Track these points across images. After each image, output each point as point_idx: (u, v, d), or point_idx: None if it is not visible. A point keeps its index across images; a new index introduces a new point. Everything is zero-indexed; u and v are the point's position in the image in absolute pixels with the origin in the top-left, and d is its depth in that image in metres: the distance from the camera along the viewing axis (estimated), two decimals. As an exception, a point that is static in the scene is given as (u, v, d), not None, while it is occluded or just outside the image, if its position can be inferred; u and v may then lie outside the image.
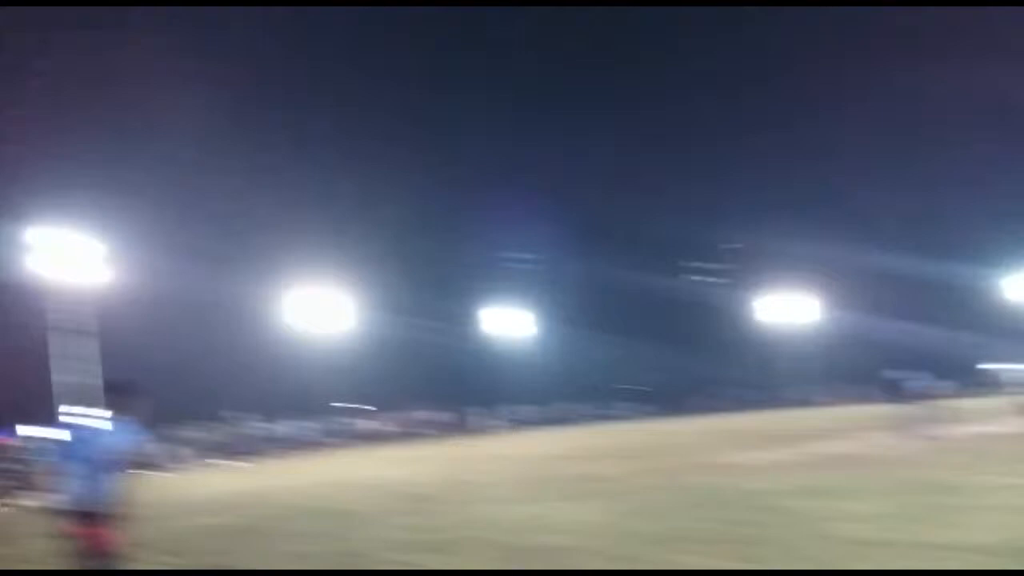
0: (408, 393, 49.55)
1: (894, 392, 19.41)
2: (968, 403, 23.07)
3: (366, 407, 51.76)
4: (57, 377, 33.70)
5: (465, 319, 57.78)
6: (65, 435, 5.13)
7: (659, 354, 57.94)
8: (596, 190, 65.02)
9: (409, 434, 45.94)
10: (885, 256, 54.54)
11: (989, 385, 42.63)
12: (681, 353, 58.47)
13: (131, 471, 4.99)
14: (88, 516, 4.76)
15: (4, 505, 16.00)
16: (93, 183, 37.52)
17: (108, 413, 5.13)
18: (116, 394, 5.21)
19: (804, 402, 54.01)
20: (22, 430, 34.98)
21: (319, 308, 47.56)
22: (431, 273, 58.36)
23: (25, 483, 17.04)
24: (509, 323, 59.65)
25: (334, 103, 58.57)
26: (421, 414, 50.07)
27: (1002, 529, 6.94)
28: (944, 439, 17.12)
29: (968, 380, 42.80)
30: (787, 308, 63.04)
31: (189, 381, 41.24)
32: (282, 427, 44.21)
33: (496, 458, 24.30)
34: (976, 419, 21.62)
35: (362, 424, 48.26)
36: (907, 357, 24.42)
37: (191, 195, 45.30)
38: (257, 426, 42.69)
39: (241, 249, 47.12)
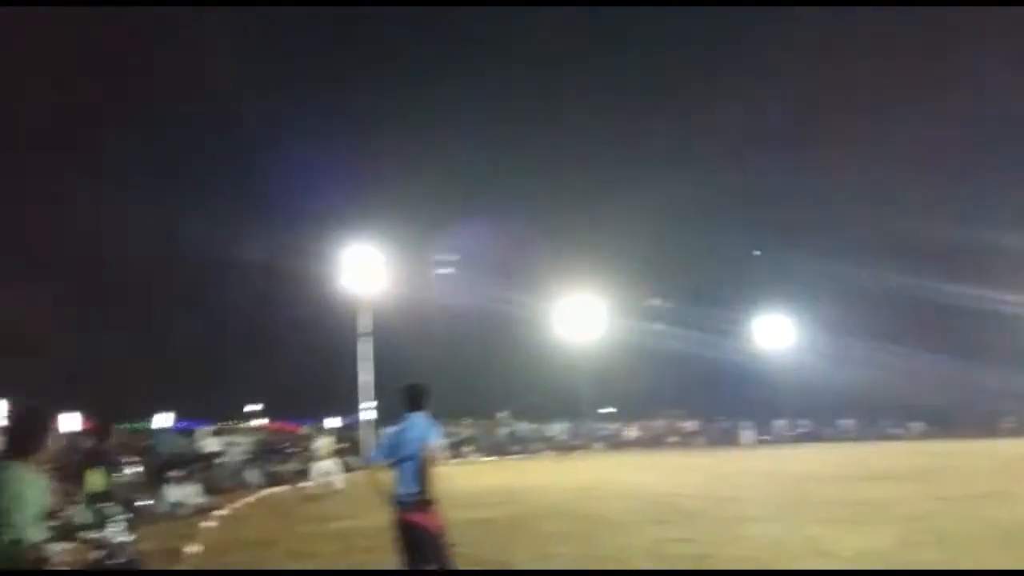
0: (659, 400, 48.89)
1: None
2: None
3: (617, 412, 51.90)
4: (362, 377, 37.91)
5: (724, 326, 55.37)
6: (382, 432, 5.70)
7: (943, 369, 51.34)
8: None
9: (659, 442, 45.21)
10: None
11: None
12: (967, 369, 51.47)
13: (435, 462, 5.36)
14: (414, 504, 5.25)
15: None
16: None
17: (411, 411, 5.61)
18: (416, 394, 5.69)
19: None
20: (327, 421, 40.24)
21: (578, 315, 48.58)
22: (689, 276, 56.89)
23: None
24: (771, 331, 56.49)
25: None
26: (671, 423, 49.11)
27: None
28: None
29: None
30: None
31: (455, 381, 44.19)
32: (537, 429, 45.60)
33: (756, 473, 22.91)
34: None
35: (614, 430, 48.42)
36: None
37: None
38: (516, 427, 44.46)
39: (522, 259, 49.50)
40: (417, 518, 5.22)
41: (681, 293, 54.39)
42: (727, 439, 46.93)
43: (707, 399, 49.80)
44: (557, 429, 46.40)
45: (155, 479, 15.17)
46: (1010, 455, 25.25)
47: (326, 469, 18.27)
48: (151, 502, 13.42)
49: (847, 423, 53.98)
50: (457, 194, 50.13)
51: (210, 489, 16.73)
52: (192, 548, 10.21)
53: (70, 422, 23.18)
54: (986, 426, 47.16)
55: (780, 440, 48.89)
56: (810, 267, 57.68)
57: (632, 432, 48.30)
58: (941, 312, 54.01)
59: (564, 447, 41.01)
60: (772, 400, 53.68)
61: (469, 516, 13.02)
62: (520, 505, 14.77)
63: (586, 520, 12.02)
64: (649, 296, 51.92)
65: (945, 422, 51.05)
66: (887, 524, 10.49)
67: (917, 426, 52.96)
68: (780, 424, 52.92)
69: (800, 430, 52.69)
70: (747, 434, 47.72)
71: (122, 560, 6.13)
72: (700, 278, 56.85)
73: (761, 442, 46.91)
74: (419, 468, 5.27)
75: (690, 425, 49.70)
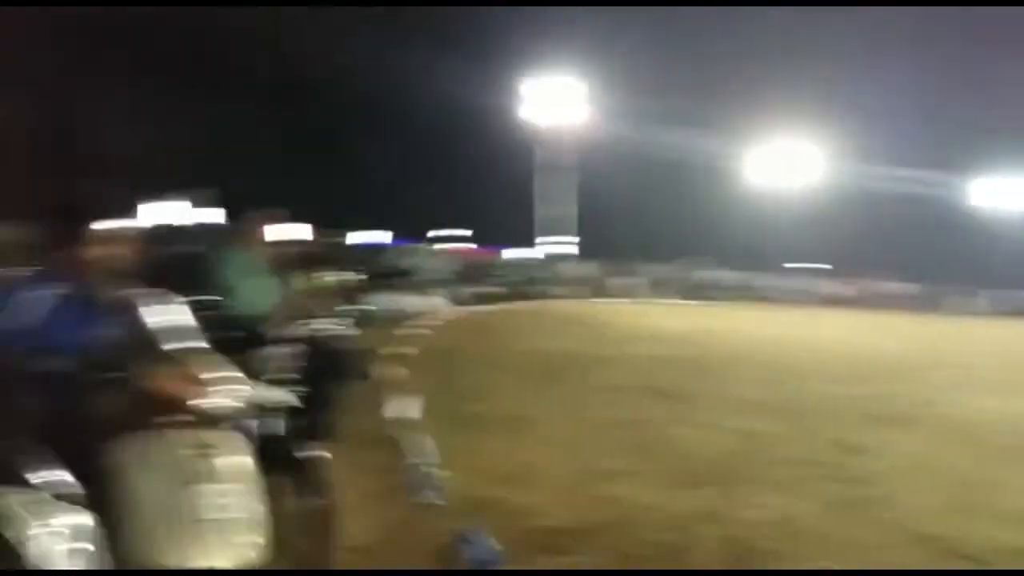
0: (873, 258, 45.62)
1: None
2: None
3: (823, 267, 49.26)
4: (541, 211, 38.51)
5: (955, 182, 49.38)
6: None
7: None
8: None
9: (868, 302, 42.64)
10: None
11: None
12: None
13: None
14: None
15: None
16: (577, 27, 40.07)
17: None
18: None
19: None
20: (506, 252, 41.46)
21: (786, 161, 45.63)
22: (923, 123, 50.60)
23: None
24: (1007, 190, 49.98)
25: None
26: (885, 283, 45.94)
27: None
28: None
29: None
30: None
31: (656, 221, 43.60)
32: (735, 277, 44.67)
33: (975, 344, 21.18)
34: None
35: (818, 285, 46.29)
36: None
37: (667, 36, 45.54)
38: (711, 272, 43.77)
39: (715, 101, 46.68)
40: None
41: (914, 141, 48.62)
42: (956, 307, 43.02)
43: (931, 262, 45.75)
44: (754, 279, 45.13)
45: (376, 286, 16.80)
46: None
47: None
48: (370, 307, 14.99)
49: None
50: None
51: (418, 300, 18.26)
52: (411, 350, 11.36)
53: (301, 231, 25.92)
54: None
55: (1017, 312, 43.82)
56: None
57: (840, 289, 45.87)
58: None
59: (769, 299, 39.98)
60: (1008, 268, 48.31)
61: (659, 353, 13.33)
62: (707, 348, 14.77)
63: (774, 369, 11.85)
64: (874, 146, 46.88)
65: None
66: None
67: None
68: (1018, 295, 47.63)
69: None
70: (980, 302, 43.49)
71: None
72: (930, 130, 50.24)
73: (998, 312, 42.25)
74: None
75: (908, 288, 46.25)
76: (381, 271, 19.90)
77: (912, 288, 45.26)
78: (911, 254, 45.85)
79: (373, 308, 15.58)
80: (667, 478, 4.90)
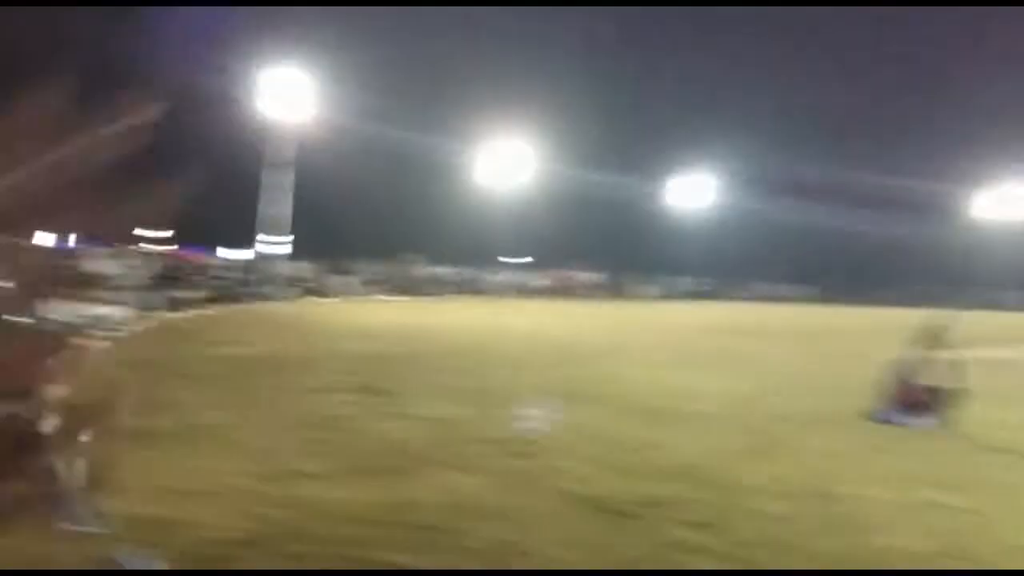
0: (569, 252, 49.89)
1: None
2: None
3: (526, 260, 52.82)
4: (262, 208, 36.71)
5: (645, 181, 55.37)
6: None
7: (852, 237, 53.22)
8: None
9: (565, 292, 46.59)
10: None
11: None
12: (881, 240, 53.90)
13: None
14: None
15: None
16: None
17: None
18: None
19: (995, 304, 49.52)
20: (222, 252, 38.89)
21: (502, 161, 48.19)
22: (618, 127, 56.05)
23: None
24: (690, 189, 57.51)
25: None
26: (578, 274, 50.44)
27: None
28: None
29: None
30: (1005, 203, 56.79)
31: (371, 219, 43.51)
32: (452, 272, 46.11)
33: (652, 325, 24.14)
34: None
35: (521, 277, 49.49)
36: None
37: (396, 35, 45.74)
38: (426, 268, 44.76)
39: (440, 100, 47.67)
40: None
41: (610, 145, 53.81)
42: (632, 293, 48.86)
43: (617, 253, 51.11)
44: (468, 274, 47.02)
45: (50, 293, 14.73)
46: (886, 322, 27.31)
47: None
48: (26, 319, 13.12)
49: (746, 283, 56.71)
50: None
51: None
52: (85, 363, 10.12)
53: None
54: (886, 297, 50.47)
55: (683, 296, 51.18)
56: (736, 126, 58.08)
57: (541, 281, 49.47)
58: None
59: (476, 291, 41.81)
60: (681, 258, 55.68)
61: (372, 349, 13.34)
62: (422, 342, 15.12)
63: (483, 358, 12.47)
64: (573, 149, 51.21)
65: (837, 288, 54.13)
66: (752, 373, 11.35)
67: (809, 290, 56.11)
68: (685, 281, 55.24)
69: (703, 287, 55.09)
70: (651, 288, 49.92)
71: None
72: (624, 135, 56.28)
73: (664, 297, 49.08)
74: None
75: (597, 277, 51.23)
76: (57, 277, 17.52)
77: (599, 277, 50.34)
78: (602, 247, 50.94)
79: (51, 318, 13.66)
80: (356, 473, 4.88)
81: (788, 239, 54.88)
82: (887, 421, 7.42)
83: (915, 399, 7.41)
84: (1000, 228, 57.31)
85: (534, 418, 6.94)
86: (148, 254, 36.66)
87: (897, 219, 52.40)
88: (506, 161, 48.13)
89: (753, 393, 9.29)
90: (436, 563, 3.36)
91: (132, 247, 37.80)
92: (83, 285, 18.21)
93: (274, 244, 39.73)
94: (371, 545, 3.56)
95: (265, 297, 29.39)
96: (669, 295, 50.22)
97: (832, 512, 4.29)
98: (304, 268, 36.21)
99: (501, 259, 49.21)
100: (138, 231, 41.96)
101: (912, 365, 7.84)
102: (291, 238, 39.70)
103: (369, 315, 22.09)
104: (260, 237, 38.99)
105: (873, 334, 21.92)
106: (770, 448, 6.03)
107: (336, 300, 30.22)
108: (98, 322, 14.98)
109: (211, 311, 18.38)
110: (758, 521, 4.06)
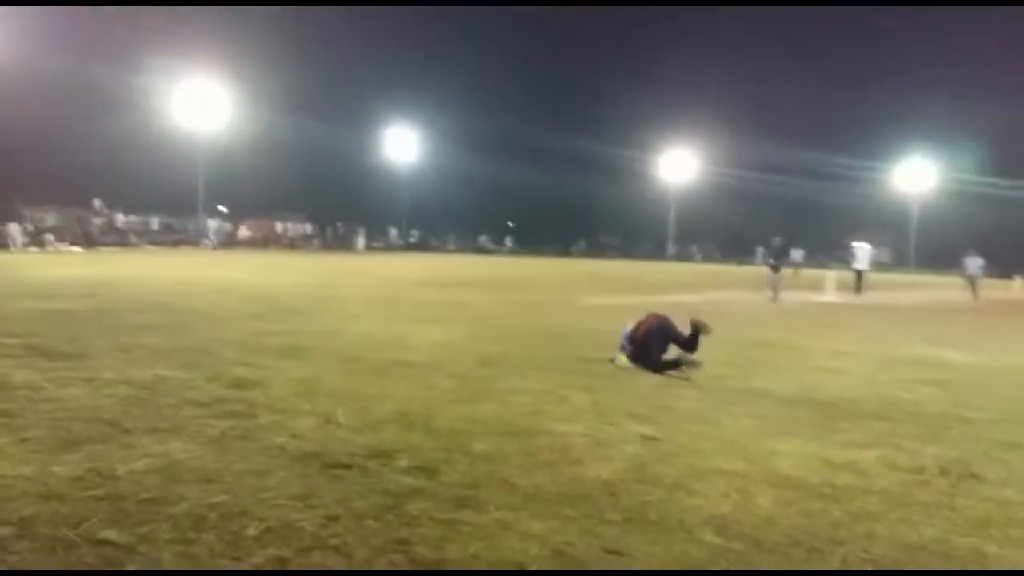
0: (275, 201, 47.80)
1: (779, 257, 20.68)
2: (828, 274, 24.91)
3: (227, 210, 49.69)
4: None
5: (356, 133, 54.32)
6: None
7: (547, 194, 57.38)
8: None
9: (272, 243, 44.90)
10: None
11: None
12: (572, 197, 58.69)
13: None
14: None
15: None
16: None
17: None
18: None
19: (684, 258, 57.91)
20: None
21: (201, 102, 44.17)
22: (334, 76, 54.30)
23: None
24: (400, 143, 57.67)
25: None
26: (284, 224, 48.74)
27: (797, 381, 7.57)
28: (790, 303, 18.56)
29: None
30: (681, 166, 65.04)
31: (58, 165, 38.07)
32: (135, 220, 42.01)
33: (360, 276, 24.21)
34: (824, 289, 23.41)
35: (222, 227, 46.60)
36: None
37: None
38: (117, 217, 40.39)
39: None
40: None
41: (325, 92, 52.04)
42: (341, 244, 48.41)
43: (326, 205, 50.14)
44: (160, 222, 43.33)
45: None
46: (578, 271, 30.19)
47: None
48: None
49: (452, 235, 58.98)
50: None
51: None
52: None
53: None
54: (565, 247, 55.45)
55: (391, 248, 51.83)
56: (443, 84, 59.48)
57: (244, 231, 47.07)
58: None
59: (177, 243, 38.67)
60: (389, 210, 56.06)
61: (45, 307, 11.87)
62: (108, 298, 13.69)
63: (181, 313, 11.63)
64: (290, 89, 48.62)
65: (532, 240, 58.54)
66: (462, 323, 11.98)
67: (509, 241, 60.04)
68: (393, 233, 55.87)
69: (411, 240, 56.24)
70: (359, 240, 49.79)
71: None
72: (338, 92, 54.80)
73: (372, 248, 49.33)
74: None
75: (305, 228, 50.02)
76: None
77: (308, 228, 49.18)
78: (312, 198, 49.58)
79: None
80: (47, 445, 4.36)
81: (488, 194, 58.13)
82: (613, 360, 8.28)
83: (635, 338, 8.29)
84: (673, 188, 65.94)
85: (244, 376, 6.70)
86: None
87: (588, 179, 57.98)
88: (203, 102, 44.32)
89: (464, 341, 9.82)
90: (148, 534, 3.17)
91: None
92: None
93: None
94: (74, 523, 3.25)
95: None
96: (377, 247, 50.65)
97: (534, 447, 4.75)
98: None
99: (200, 207, 45.68)
100: None
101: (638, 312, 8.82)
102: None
103: (42, 269, 19.42)
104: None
105: (569, 281, 24.24)
106: (478, 393, 6.46)
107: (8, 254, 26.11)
108: None
109: None
110: (468, 462, 4.38)
